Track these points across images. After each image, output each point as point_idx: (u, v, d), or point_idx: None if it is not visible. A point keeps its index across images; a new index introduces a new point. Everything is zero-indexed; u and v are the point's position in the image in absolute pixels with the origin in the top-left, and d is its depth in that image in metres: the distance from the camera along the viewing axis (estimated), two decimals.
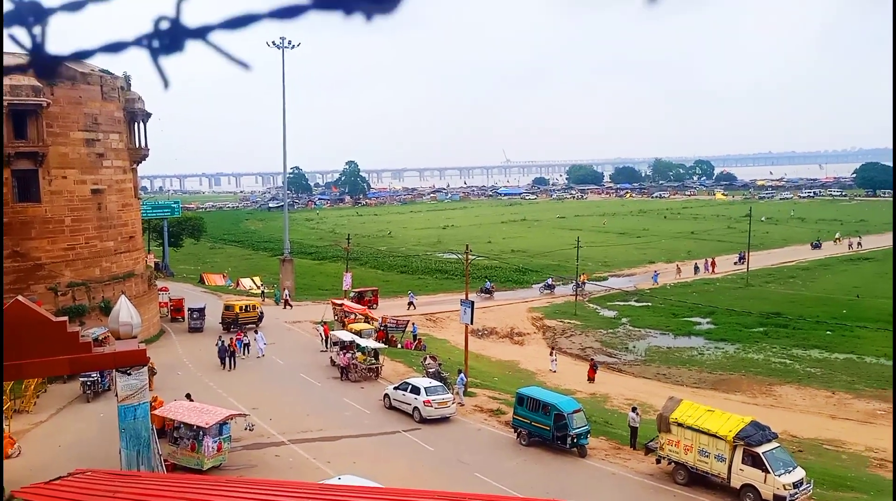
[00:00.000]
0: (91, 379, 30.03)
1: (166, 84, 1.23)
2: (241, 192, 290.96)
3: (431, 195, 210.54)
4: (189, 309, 45.76)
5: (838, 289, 56.81)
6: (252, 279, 63.28)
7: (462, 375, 31.53)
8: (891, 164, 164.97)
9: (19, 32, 1.14)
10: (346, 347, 35.19)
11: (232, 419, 23.64)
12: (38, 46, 1.15)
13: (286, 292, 56.14)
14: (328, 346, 38.74)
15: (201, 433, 22.13)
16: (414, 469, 23.19)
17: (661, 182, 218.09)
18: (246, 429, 24.83)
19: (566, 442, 24.54)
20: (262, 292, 58.96)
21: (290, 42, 59.93)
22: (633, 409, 26.79)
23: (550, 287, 59.89)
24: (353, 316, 44.60)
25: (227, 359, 35.92)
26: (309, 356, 38.78)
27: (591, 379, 37.16)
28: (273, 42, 59.78)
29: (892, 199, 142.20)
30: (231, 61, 1.31)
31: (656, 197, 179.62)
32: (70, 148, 36.85)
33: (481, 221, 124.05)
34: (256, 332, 40.43)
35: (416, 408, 28.05)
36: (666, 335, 47.03)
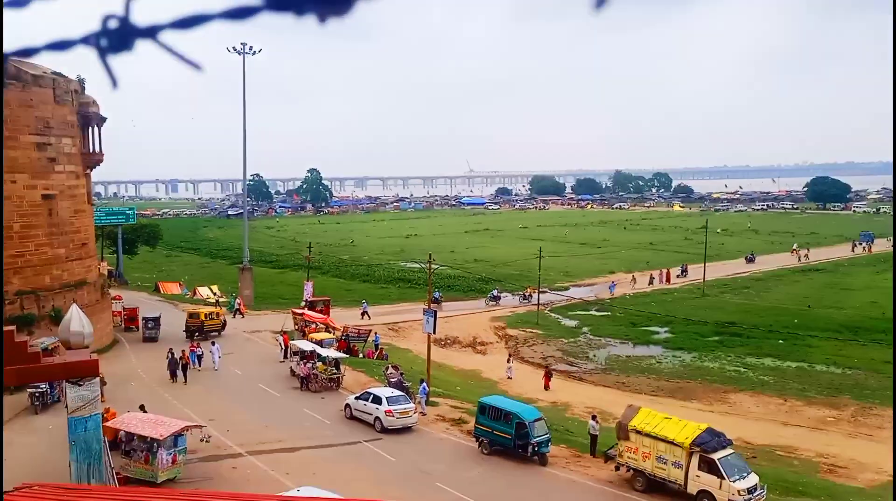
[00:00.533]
0: (40, 390, 29.18)
1: (114, 83, 1.21)
2: (200, 199, 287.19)
3: (394, 204, 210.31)
4: (144, 319, 44.75)
5: (790, 299, 58.13)
6: (210, 288, 62.25)
7: (424, 384, 31.43)
8: (839, 178, 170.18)
9: None
10: (306, 357, 34.82)
11: (187, 430, 23.19)
12: None
13: (238, 300, 55.43)
14: (288, 356, 38.24)
15: (155, 445, 21.64)
16: (376, 480, 23.02)
17: (621, 194, 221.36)
18: (202, 441, 24.36)
19: (527, 451, 24.64)
20: (217, 301, 58.10)
21: (251, 48, 59.37)
22: (593, 417, 27.05)
23: (496, 298, 59.80)
24: (313, 326, 44.20)
25: (179, 372, 34.37)
26: (268, 367, 38.24)
27: (546, 387, 37.45)
28: (234, 48, 59.17)
29: (842, 212, 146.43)
30: (182, 62, 1.29)
31: (616, 208, 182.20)
32: (20, 152, 35.88)
33: (444, 230, 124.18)
34: (213, 343, 38.71)
35: (377, 418, 27.85)
36: (625, 344, 47.55)
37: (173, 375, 34.46)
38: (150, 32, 1.18)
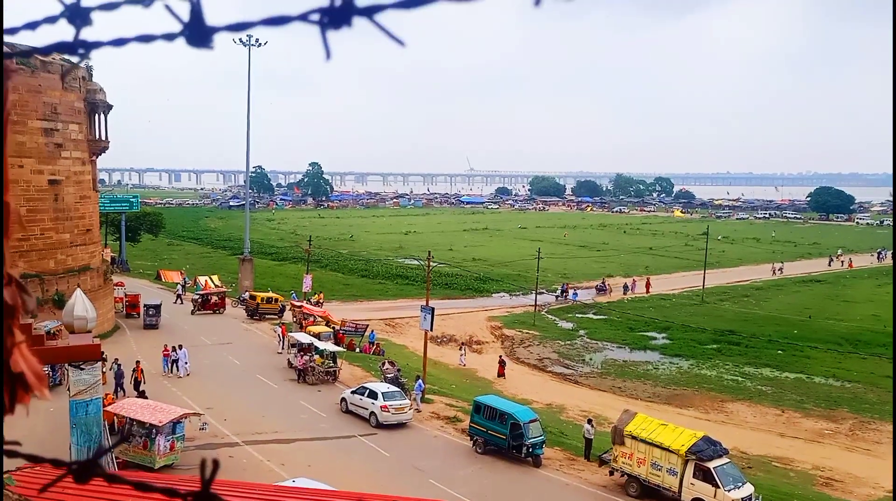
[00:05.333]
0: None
1: (328, 55, 1.31)
2: (202, 189, 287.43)
3: (394, 201, 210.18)
4: (145, 305, 44.90)
5: (790, 309, 58.14)
6: (210, 278, 62.32)
7: (420, 381, 31.53)
8: (843, 189, 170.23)
9: (176, 3, 1.19)
10: (303, 349, 34.90)
11: (186, 418, 23.33)
12: (196, 15, 1.18)
13: (204, 283, 56.85)
14: (285, 347, 38.35)
15: (154, 431, 21.76)
16: (369, 474, 23.11)
17: (621, 197, 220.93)
18: (200, 429, 24.50)
19: (521, 451, 24.72)
20: (181, 284, 58.12)
21: (256, 40, 59.28)
22: (589, 421, 27.11)
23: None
24: (311, 318, 44.34)
25: (133, 387, 29.78)
26: (266, 358, 38.36)
27: (500, 374, 39.68)
28: (240, 39, 59.06)
29: (844, 223, 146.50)
30: (391, 39, 1.38)
31: (616, 212, 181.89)
32: (27, 137, 35.97)
33: (443, 228, 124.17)
34: (181, 347, 34.50)
35: (372, 413, 27.96)
36: (622, 349, 47.57)
37: (119, 390, 29.79)
38: (369, 11, 1.24)
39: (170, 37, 1.18)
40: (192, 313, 49.17)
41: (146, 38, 1.29)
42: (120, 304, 47.26)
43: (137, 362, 31.60)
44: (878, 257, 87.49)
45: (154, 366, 34.07)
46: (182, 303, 52.90)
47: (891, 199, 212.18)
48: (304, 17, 1.23)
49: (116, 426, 23.40)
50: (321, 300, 53.11)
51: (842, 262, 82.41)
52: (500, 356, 42.40)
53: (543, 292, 61.29)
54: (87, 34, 1.29)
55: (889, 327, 50.83)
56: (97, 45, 1.33)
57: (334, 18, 1.23)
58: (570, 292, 62.32)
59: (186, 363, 34.02)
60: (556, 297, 61.57)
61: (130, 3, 1.29)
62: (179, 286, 57.05)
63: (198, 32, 1.15)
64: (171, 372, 33.97)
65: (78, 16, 1.28)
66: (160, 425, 21.68)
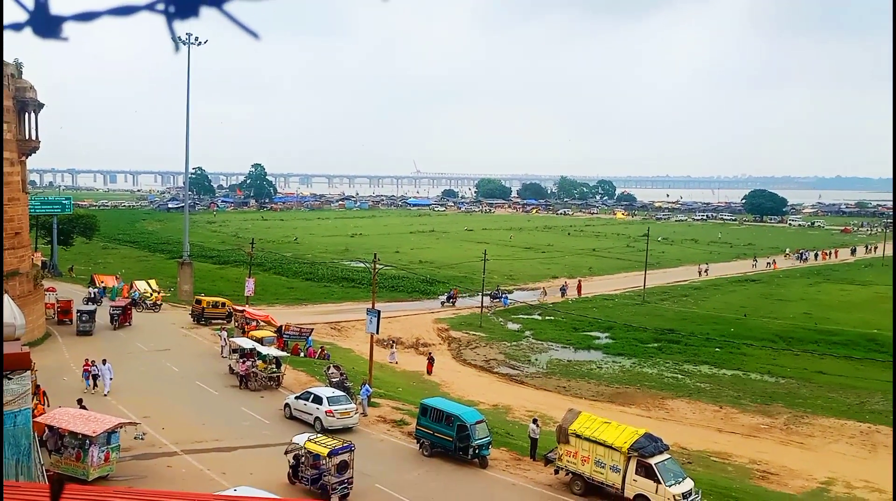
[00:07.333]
0: None
1: (177, 47, 1.26)
2: (139, 191, 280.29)
3: (340, 203, 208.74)
4: (78, 311, 43.30)
5: (727, 308, 59.70)
6: (147, 282, 60.68)
7: (366, 385, 31.21)
8: (776, 192, 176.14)
9: None
10: (246, 354, 34.19)
11: (121, 427, 22.55)
12: (40, 5, 1.06)
13: (123, 286, 56.01)
14: (227, 353, 37.49)
15: (87, 442, 20.97)
16: None
17: (565, 200, 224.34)
18: (136, 438, 23.72)
19: (468, 453, 24.70)
20: (99, 289, 55.81)
21: (196, 38, 57.96)
22: (534, 421, 27.28)
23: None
24: (254, 323, 43.60)
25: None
26: (206, 364, 37.45)
27: (429, 372, 40.26)
28: (179, 37, 57.69)
29: (777, 225, 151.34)
30: (242, 30, 1.33)
31: (561, 214, 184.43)
32: None
33: (390, 230, 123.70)
34: (104, 362, 31.75)
35: (317, 418, 27.56)
36: (567, 349, 48.06)
37: None
38: (217, 1, 1.19)
39: (17, 27, 1.06)
40: (114, 328, 44.44)
41: None
42: (51, 310, 45.51)
43: (38, 386, 27.27)
44: (800, 258, 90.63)
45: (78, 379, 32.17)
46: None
47: (822, 202, 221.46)
48: (150, 7, 1.16)
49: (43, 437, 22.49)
50: (159, 302, 52.97)
51: (767, 264, 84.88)
52: (430, 354, 42.94)
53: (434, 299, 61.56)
54: None
55: (821, 324, 52.75)
56: None
57: (181, 8, 1.16)
58: (502, 296, 61.05)
59: (110, 378, 31.32)
60: (442, 303, 59.37)
61: None
62: (92, 291, 54.19)
63: (44, 22, 1.04)
64: (93, 389, 31.16)
65: None
66: (94, 435, 20.88)
